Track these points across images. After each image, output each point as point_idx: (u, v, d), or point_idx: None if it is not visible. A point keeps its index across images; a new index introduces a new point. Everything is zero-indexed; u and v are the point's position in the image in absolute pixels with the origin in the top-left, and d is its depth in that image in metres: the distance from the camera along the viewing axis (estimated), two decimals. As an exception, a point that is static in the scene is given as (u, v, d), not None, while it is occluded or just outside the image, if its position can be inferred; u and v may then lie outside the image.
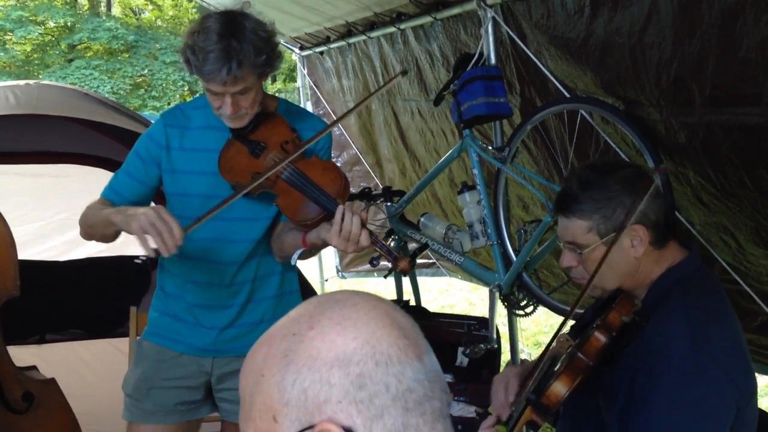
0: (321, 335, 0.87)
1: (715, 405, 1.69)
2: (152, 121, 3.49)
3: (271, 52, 2.19)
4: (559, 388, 1.71)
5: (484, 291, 6.97)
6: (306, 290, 2.98)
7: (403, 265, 2.13)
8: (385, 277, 3.87)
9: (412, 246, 3.87)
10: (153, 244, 2.04)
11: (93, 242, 3.79)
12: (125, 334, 3.24)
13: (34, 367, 3.13)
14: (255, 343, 0.93)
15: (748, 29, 2.19)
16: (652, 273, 1.87)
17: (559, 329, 1.92)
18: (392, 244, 3.84)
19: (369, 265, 6.92)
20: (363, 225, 2.08)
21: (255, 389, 0.89)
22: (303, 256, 2.36)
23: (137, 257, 2.09)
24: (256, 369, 0.90)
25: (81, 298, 4.06)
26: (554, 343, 1.89)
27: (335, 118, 5.85)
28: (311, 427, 0.83)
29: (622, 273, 1.86)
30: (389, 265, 2.15)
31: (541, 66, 3.20)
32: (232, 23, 2.13)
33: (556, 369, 1.82)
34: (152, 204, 2.38)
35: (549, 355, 1.89)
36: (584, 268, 1.89)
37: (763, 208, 2.54)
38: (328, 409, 0.83)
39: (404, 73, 2.67)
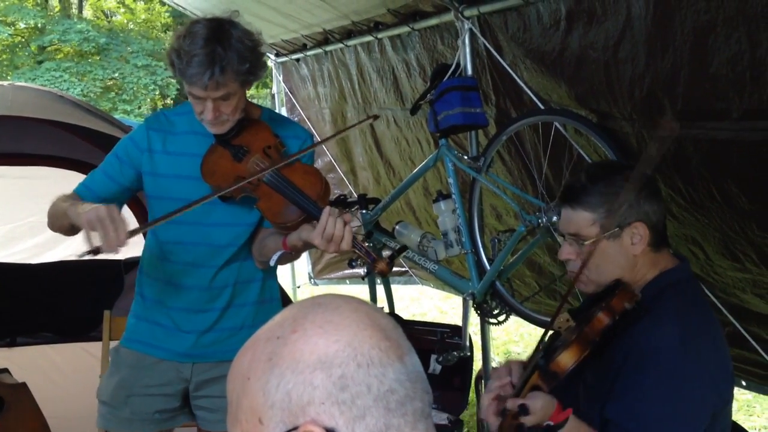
0: (303, 338, 0.88)
1: (695, 406, 1.74)
2: (126, 124, 3.48)
3: (256, 61, 2.21)
4: (568, 357, 1.74)
5: (455, 299, 7.00)
6: (281, 297, 2.99)
7: (382, 267, 2.16)
8: (363, 278, 3.88)
9: (386, 253, 3.88)
10: (97, 242, 2.03)
11: (64, 245, 3.76)
12: (97, 338, 3.21)
13: (5, 370, 3.10)
14: (242, 347, 0.94)
15: (719, 46, 2.25)
16: (646, 274, 1.92)
17: (553, 319, 1.94)
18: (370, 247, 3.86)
19: (342, 272, 6.83)
20: (346, 227, 2.11)
21: (241, 392, 0.90)
22: (283, 260, 2.38)
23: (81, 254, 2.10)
24: (242, 372, 0.91)
25: (53, 301, 4.01)
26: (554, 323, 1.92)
27: (310, 125, 5.88)
28: (295, 428, 0.85)
29: (619, 269, 1.90)
30: (362, 271, 2.17)
31: (516, 78, 3.25)
32: (219, 30, 2.15)
33: (559, 342, 1.85)
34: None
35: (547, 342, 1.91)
36: (582, 261, 1.93)
37: (731, 220, 2.59)
38: (311, 411, 0.85)
39: (375, 117, 2.75)
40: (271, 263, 2.37)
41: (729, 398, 1.85)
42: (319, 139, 5.94)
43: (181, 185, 2.32)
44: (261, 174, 2.22)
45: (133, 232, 2.07)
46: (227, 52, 2.11)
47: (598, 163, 2.57)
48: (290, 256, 2.36)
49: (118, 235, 2.01)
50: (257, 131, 2.33)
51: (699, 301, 1.94)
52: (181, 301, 2.39)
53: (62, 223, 2.28)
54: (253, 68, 2.20)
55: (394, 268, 5.94)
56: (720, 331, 1.91)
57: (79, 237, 2.34)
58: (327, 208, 2.13)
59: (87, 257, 2.05)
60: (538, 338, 1.95)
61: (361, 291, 5.36)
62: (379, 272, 2.18)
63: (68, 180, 3.84)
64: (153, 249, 2.44)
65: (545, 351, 1.84)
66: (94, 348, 3.53)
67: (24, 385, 3.01)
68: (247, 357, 0.92)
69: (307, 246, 2.21)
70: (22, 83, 4.28)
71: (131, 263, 3.91)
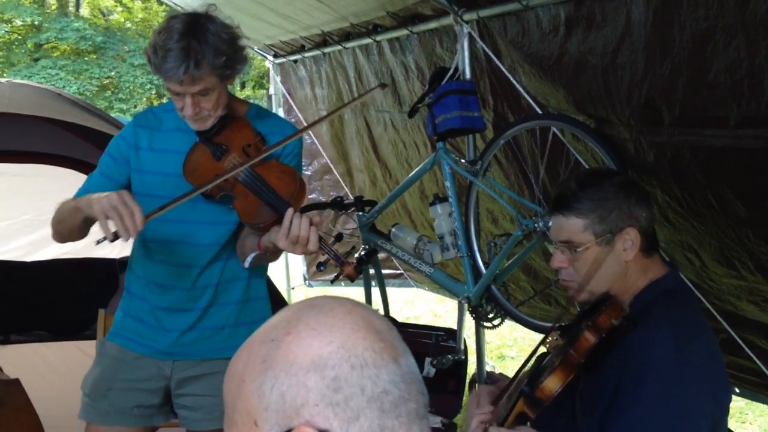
0: (297, 340, 0.88)
1: (696, 415, 1.74)
2: (122, 123, 3.47)
3: (233, 55, 2.20)
4: (553, 383, 1.75)
5: (449, 303, 7.00)
6: (274, 298, 2.98)
7: (349, 271, 2.14)
8: (332, 282, 3.90)
9: (382, 255, 3.88)
10: (113, 228, 2.04)
11: (59, 244, 3.75)
12: (91, 337, 3.20)
13: (-2, 368, 3.09)
14: (238, 350, 0.95)
15: (717, 53, 2.26)
16: (638, 281, 1.92)
17: (545, 337, 1.95)
18: (362, 254, 3.85)
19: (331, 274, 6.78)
20: (311, 228, 2.09)
21: (237, 394, 0.90)
22: (262, 261, 2.36)
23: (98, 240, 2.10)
24: (237, 375, 0.91)
25: (47, 299, 4.00)
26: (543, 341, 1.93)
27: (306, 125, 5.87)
28: (290, 430, 0.85)
29: (611, 276, 1.90)
30: (330, 277, 2.13)
31: (514, 82, 3.25)
32: (195, 24, 2.15)
33: (545, 364, 1.85)
34: None
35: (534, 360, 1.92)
36: (574, 268, 1.93)
37: (727, 227, 2.60)
38: (305, 413, 0.85)
39: (383, 86, 2.69)
40: (246, 264, 2.35)
41: (727, 405, 1.85)
42: (315, 140, 5.96)
43: (165, 182, 2.30)
44: (233, 172, 2.20)
45: (149, 215, 2.07)
46: (202, 46, 2.11)
47: (588, 170, 2.58)
48: (266, 257, 2.34)
49: (134, 220, 2.02)
50: (239, 129, 2.32)
51: (691, 308, 1.94)
52: (163, 301, 2.39)
53: (73, 222, 2.26)
54: (230, 62, 2.18)
55: (390, 271, 5.94)
56: (713, 337, 1.91)
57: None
58: (290, 209, 2.11)
59: (104, 242, 2.06)
60: (532, 342, 1.96)
61: (357, 293, 5.36)
62: (347, 276, 2.15)
63: (64, 178, 3.85)
64: (138, 247, 2.44)
65: (530, 376, 1.85)
66: (89, 347, 3.52)
67: (17, 381, 2.99)
68: (242, 359, 0.92)
69: (278, 248, 2.18)
70: (19, 80, 4.27)
71: (126, 262, 3.90)
